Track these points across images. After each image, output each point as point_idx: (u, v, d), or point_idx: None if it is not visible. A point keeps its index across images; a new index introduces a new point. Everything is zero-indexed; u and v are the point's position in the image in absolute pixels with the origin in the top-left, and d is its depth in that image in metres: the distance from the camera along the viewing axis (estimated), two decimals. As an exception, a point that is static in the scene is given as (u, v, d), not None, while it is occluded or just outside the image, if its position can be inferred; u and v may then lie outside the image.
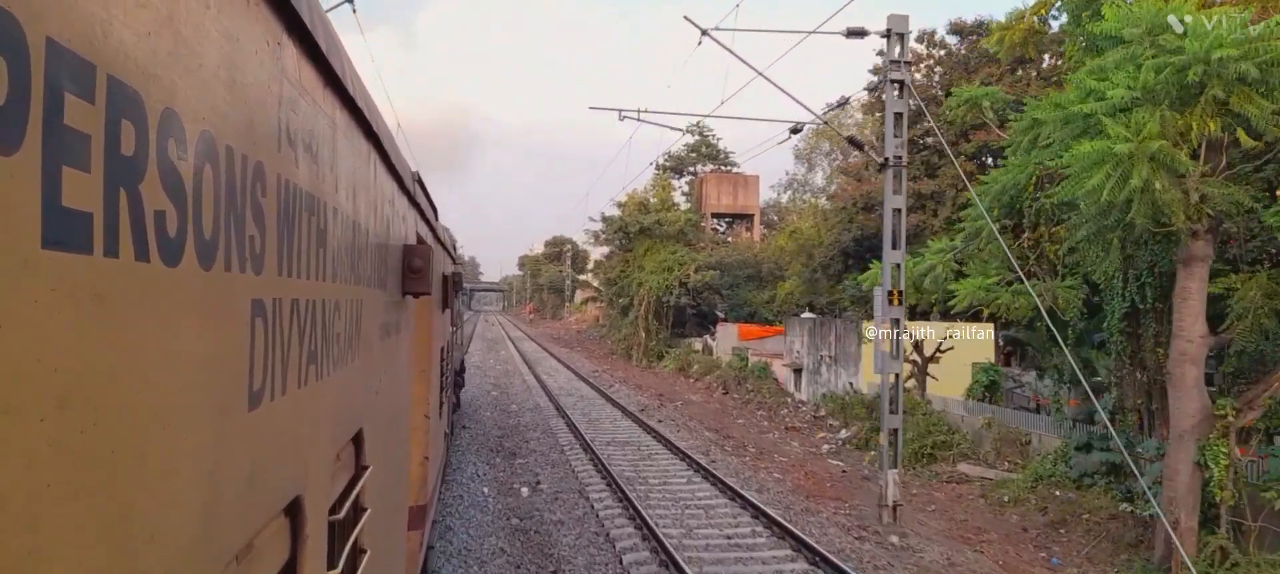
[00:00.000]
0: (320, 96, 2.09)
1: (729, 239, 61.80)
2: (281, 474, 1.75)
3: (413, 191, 4.69)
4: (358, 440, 2.78)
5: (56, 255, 0.88)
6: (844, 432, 24.83)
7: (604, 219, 53.45)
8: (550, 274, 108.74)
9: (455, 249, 14.03)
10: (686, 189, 65.72)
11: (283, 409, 1.70)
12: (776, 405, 30.70)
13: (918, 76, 33.48)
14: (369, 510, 2.84)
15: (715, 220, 64.92)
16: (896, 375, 11.00)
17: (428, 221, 6.04)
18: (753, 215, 66.37)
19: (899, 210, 11.11)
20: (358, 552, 2.69)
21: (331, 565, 2.27)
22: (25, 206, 0.84)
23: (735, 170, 67.28)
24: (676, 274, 47.36)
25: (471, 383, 29.62)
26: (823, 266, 35.93)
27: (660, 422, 22.88)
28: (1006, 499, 16.50)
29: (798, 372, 32.52)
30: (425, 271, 4.08)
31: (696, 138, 68.57)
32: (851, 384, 27.84)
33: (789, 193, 60.02)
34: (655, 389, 33.71)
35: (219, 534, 1.36)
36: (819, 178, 56.78)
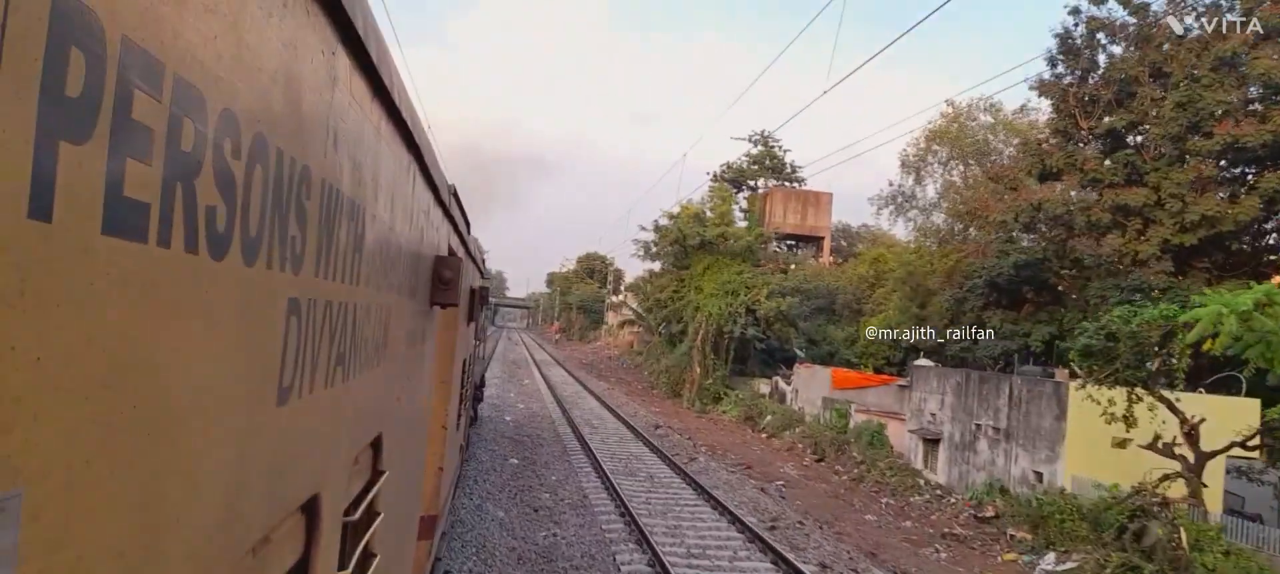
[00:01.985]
0: (368, 106, 2.09)
1: (792, 266, 52.86)
2: (302, 471, 1.74)
3: (448, 203, 4.67)
4: (377, 445, 2.76)
5: (114, 242, 0.89)
6: (1052, 558, 15.92)
7: (656, 228, 45.02)
8: (582, 293, 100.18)
9: (484, 263, 12.43)
10: (745, 206, 57.18)
11: (309, 408, 1.70)
12: (903, 489, 21.82)
13: (1114, 49, 24.64)
14: (382, 515, 2.83)
15: (778, 242, 56.27)
16: None
17: (459, 234, 5.91)
18: (822, 238, 57.72)
19: None
20: (368, 555, 2.68)
21: (342, 566, 2.22)
22: (90, 194, 0.85)
23: (803, 187, 58.89)
24: (743, 299, 38.74)
25: (483, 438, 21.07)
26: (957, 302, 26.98)
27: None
28: None
29: (932, 442, 23.66)
30: (454, 283, 4.09)
31: (760, 149, 60.44)
32: (1041, 476, 18.93)
33: (890, 209, 50.33)
34: (735, 452, 24.92)
35: (239, 524, 1.34)
36: (930, 192, 47.05)
